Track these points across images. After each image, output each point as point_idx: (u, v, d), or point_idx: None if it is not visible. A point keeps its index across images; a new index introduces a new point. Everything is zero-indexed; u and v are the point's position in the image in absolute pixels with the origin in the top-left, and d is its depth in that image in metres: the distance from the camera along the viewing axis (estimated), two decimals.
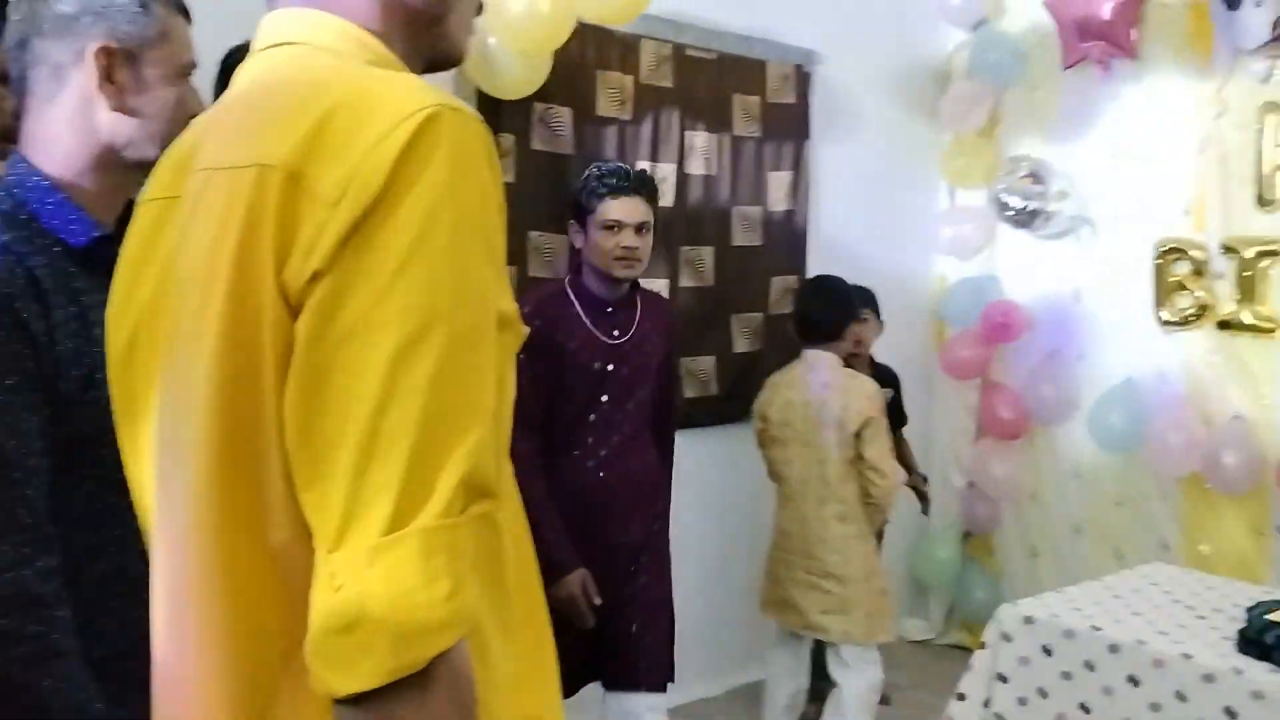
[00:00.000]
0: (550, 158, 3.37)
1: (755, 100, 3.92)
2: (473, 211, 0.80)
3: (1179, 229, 3.89)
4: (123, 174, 1.35)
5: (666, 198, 3.53)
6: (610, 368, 2.67)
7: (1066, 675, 2.42)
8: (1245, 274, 3.72)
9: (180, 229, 0.88)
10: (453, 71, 1.54)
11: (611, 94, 3.52)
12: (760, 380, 3.39)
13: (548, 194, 3.35)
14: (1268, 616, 2.26)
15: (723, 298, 3.87)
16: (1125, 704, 2.30)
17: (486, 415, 0.79)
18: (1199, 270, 3.85)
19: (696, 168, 3.77)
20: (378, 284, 0.74)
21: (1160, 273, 3.94)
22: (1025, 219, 4.17)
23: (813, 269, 4.01)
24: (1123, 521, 4.06)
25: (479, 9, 1.03)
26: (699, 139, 3.76)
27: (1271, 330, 3.68)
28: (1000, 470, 4.37)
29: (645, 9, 3.21)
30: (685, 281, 3.75)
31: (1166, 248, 3.92)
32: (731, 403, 3.80)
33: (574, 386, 2.64)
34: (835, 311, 3.23)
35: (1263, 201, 3.69)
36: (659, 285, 3.57)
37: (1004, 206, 4.21)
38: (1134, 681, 2.29)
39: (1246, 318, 3.73)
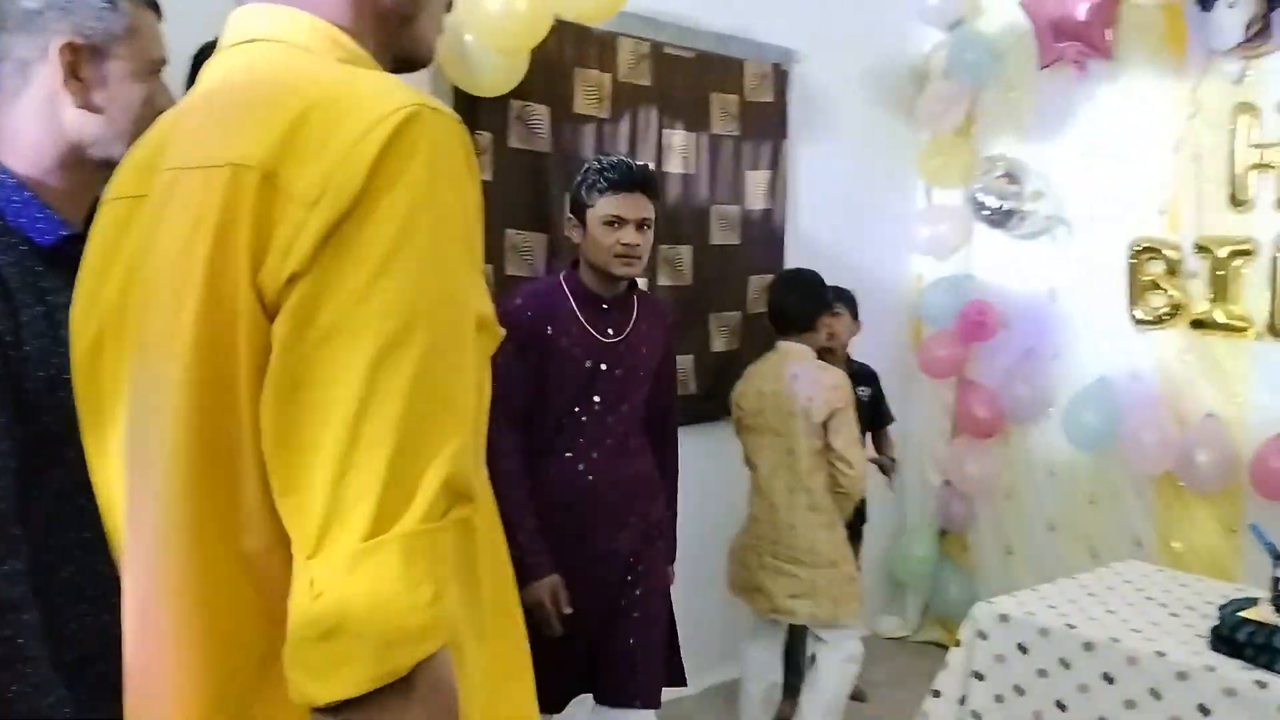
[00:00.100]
0: (528, 156, 3.36)
1: (733, 99, 3.92)
2: (452, 212, 0.79)
3: (1153, 229, 3.92)
4: (90, 172, 1.33)
5: None
6: (603, 367, 2.59)
7: (1042, 673, 2.43)
8: (1218, 273, 3.75)
9: (149, 229, 0.86)
10: (429, 69, 1.52)
11: (589, 92, 3.51)
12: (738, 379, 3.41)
13: (525, 192, 3.33)
14: (1240, 614, 2.27)
15: (701, 297, 3.87)
16: (1101, 701, 2.31)
17: (467, 418, 0.78)
18: (1173, 270, 3.88)
19: (675, 166, 3.76)
20: (357, 286, 0.73)
21: (1134, 272, 3.97)
22: (1001, 218, 4.19)
23: (790, 268, 4.01)
24: (1096, 519, 4.09)
25: (448, 6, 1.02)
26: (677, 137, 3.76)
27: (1244, 329, 3.71)
28: (976, 468, 4.39)
29: (623, 7, 3.20)
30: (663, 280, 3.75)
31: (1141, 247, 3.94)
32: (709, 402, 3.79)
33: (564, 383, 2.56)
34: (807, 303, 3.28)
35: (1236, 201, 3.71)
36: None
37: (980, 206, 4.23)
38: (1109, 679, 2.31)
39: (1219, 317, 3.76)
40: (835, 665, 3.27)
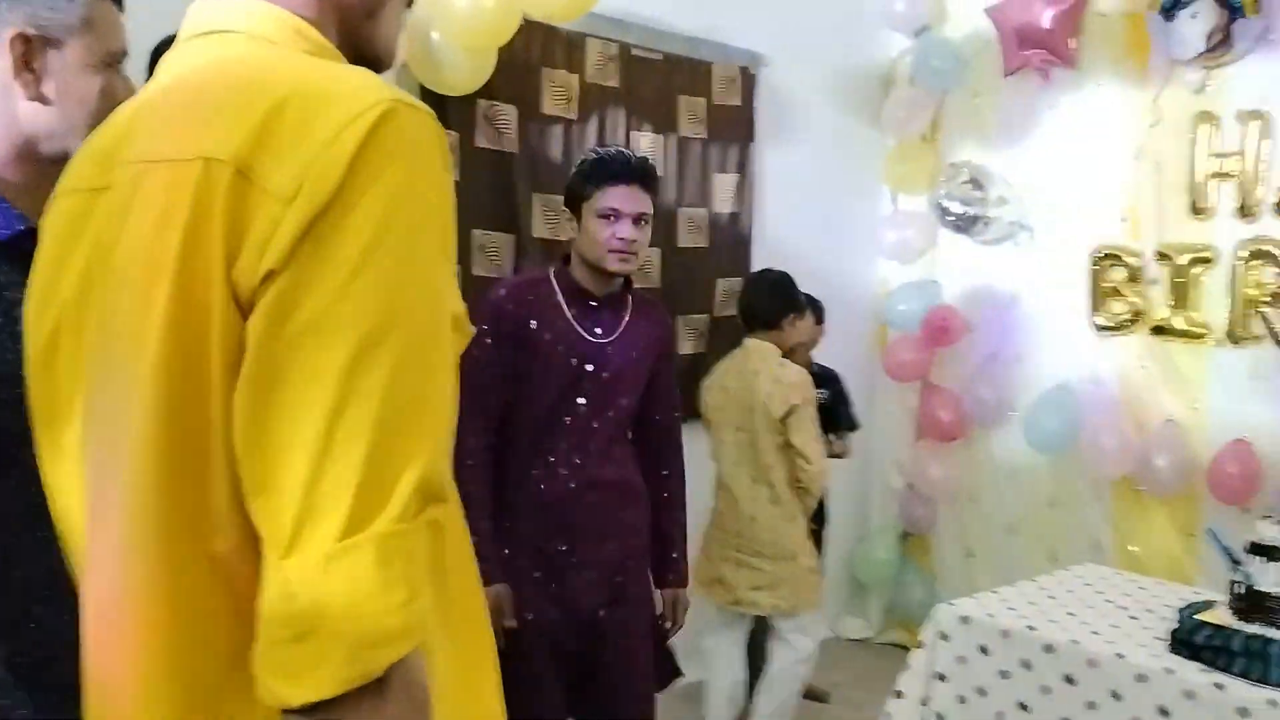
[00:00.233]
0: (495, 156, 3.34)
1: (701, 102, 3.93)
2: (430, 210, 0.78)
3: (1115, 236, 3.97)
4: (47, 166, 1.30)
5: None
6: (589, 368, 2.43)
7: (1004, 674, 2.45)
8: (1178, 280, 3.81)
9: (113, 223, 0.84)
10: (395, 67, 1.51)
11: (557, 92, 3.50)
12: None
13: (492, 193, 3.32)
14: (1198, 617, 2.30)
15: (668, 299, 3.85)
16: (1063, 703, 2.33)
17: (443, 417, 0.78)
18: (1134, 276, 3.93)
19: None
20: (334, 284, 0.72)
21: (1096, 278, 4.02)
22: (965, 224, 4.23)
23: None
24: (1056, 522, 4.14)
25: (409, 3, 1.01)
26: (645, 139, 3.76)
27: (1203, 336, 3.77)
28: (938, 471, 4.42)
29: (592, 7, 3.19)
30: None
31: (1102, 254, 3.99)
32: None
33: (546, 382, 2.41)
34: (774, 301, 3.32)
35: (1196, 210, 3.77)
36: None
37: (945, 212, 4.26)
38: (1070, 680, 2.33)
39: (1179, 323, 3.81)
40: (788, 666, 3.34)
